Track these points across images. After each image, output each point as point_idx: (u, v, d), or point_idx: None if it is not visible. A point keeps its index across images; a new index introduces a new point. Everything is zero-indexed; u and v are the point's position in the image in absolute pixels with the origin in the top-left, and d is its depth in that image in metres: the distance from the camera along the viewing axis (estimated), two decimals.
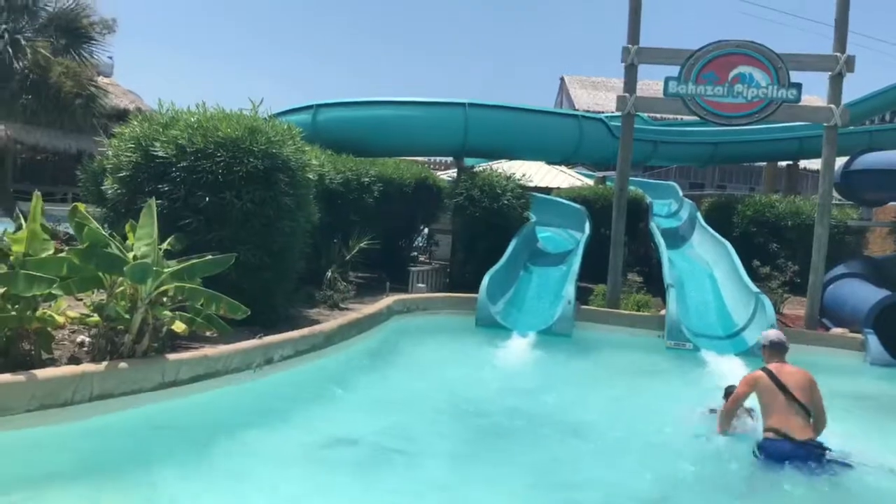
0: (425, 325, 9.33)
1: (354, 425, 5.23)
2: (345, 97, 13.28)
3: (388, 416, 5.52)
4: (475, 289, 9.82)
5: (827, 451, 4.66)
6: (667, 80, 10.43)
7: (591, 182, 19.05)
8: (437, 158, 25.74)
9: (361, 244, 9.99)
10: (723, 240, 12.14)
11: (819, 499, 4.43)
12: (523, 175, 13.26)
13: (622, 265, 11.08)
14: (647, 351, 8.94)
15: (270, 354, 6.04)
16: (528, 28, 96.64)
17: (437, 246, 13.67)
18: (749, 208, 14.09)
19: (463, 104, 12.85)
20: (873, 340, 9.05)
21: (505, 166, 14.77)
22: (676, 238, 14.10)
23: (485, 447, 5.12)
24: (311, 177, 7.48)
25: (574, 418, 5.83)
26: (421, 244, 14.29)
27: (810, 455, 4.62)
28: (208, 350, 5.49)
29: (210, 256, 5.32)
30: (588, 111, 21.73)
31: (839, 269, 11.40)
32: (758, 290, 9.79)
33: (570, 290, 9.82)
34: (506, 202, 11.90)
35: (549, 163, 19.80)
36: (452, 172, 15.61)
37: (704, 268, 12.20)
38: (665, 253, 11.48)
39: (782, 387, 4.81)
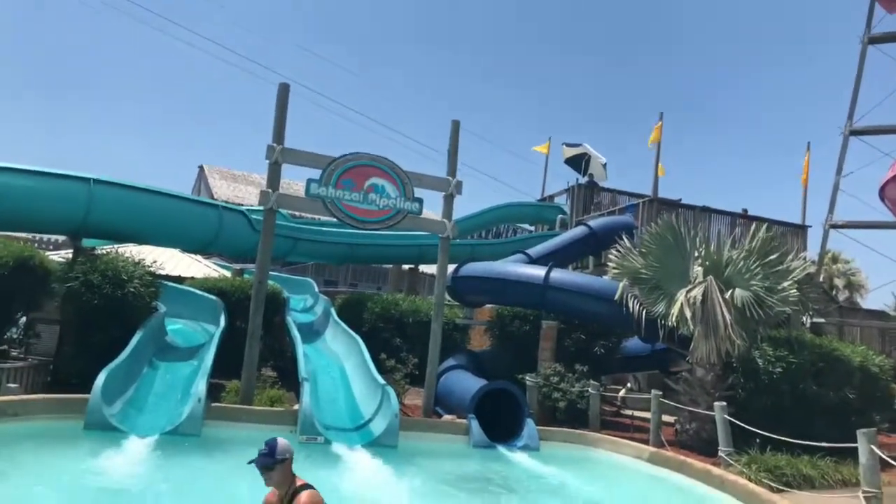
0: (16, 433, 7.68)
1: None
2: None
3: None
4: (87, 388, 8.52)
5: None
6: (309, 181, 10.97)
7: (228, 273, 18.57)
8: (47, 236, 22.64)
9: None
10: (354, 334, 12.77)
11: None
12: (154, 262, 12.30)
13: (258, 359, 10.87)
14: None
15: None
16: (171, 116, 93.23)
17: (39, 338, 11.55)
18: (377, 305, 15.23)
19: (87, 179, 11.60)
20: (475, 425, 10.32)
21: (133, 251, 13.52)
22: (311, 332, 14.44)
23: None
24: None
25: None
26: (16, 336, 11.92)
27: None
28: None
29: None
30: (228, 202, 21.44)
31: (448, 362, 12.96)
32: (384, 381, 10.45)
33: (200, 387, 9.20)
34: (132, 290, 10.82)
35: (184, 251, 18.83)
36: (66, 252, 13.68)
37: (336, 361, 12.65)
38: (300, 347, 11.64)
39: None
